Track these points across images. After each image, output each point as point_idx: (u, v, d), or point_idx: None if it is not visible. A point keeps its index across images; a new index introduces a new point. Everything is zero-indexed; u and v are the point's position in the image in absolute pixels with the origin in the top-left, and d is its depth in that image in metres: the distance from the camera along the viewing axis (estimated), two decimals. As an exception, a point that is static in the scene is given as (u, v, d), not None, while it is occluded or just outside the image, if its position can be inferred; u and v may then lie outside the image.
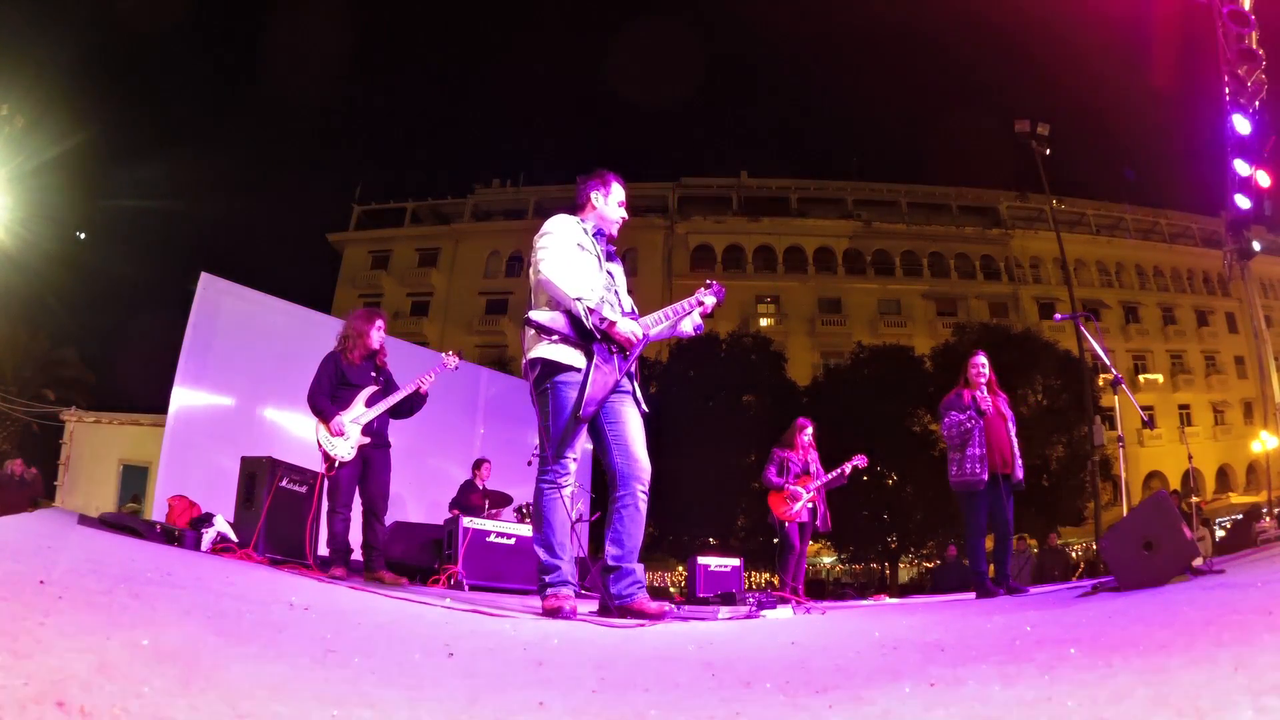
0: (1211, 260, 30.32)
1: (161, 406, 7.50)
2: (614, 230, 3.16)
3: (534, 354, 2.88)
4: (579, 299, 2.82)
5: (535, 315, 2.88)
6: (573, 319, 2.84)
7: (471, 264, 33.34)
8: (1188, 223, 34.74)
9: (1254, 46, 9.51)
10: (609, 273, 3.07)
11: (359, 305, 32.39)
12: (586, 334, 2.84)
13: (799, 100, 69.38)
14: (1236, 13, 9.50)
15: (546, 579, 2.80)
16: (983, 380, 5.30)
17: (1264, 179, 9.78)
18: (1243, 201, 10.38)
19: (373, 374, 4.91)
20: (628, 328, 2.89)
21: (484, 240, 33.74)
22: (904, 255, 33.82)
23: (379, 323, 4.99)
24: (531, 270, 2.98)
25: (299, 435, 7.69)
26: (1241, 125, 9.86)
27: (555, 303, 2.88)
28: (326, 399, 4.70)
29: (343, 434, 4.64)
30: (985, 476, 5.04)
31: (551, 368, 2.84)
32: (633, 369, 3.00)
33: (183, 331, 7.11)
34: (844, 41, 68.52)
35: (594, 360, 2.81)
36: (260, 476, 5.07)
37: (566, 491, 2.85)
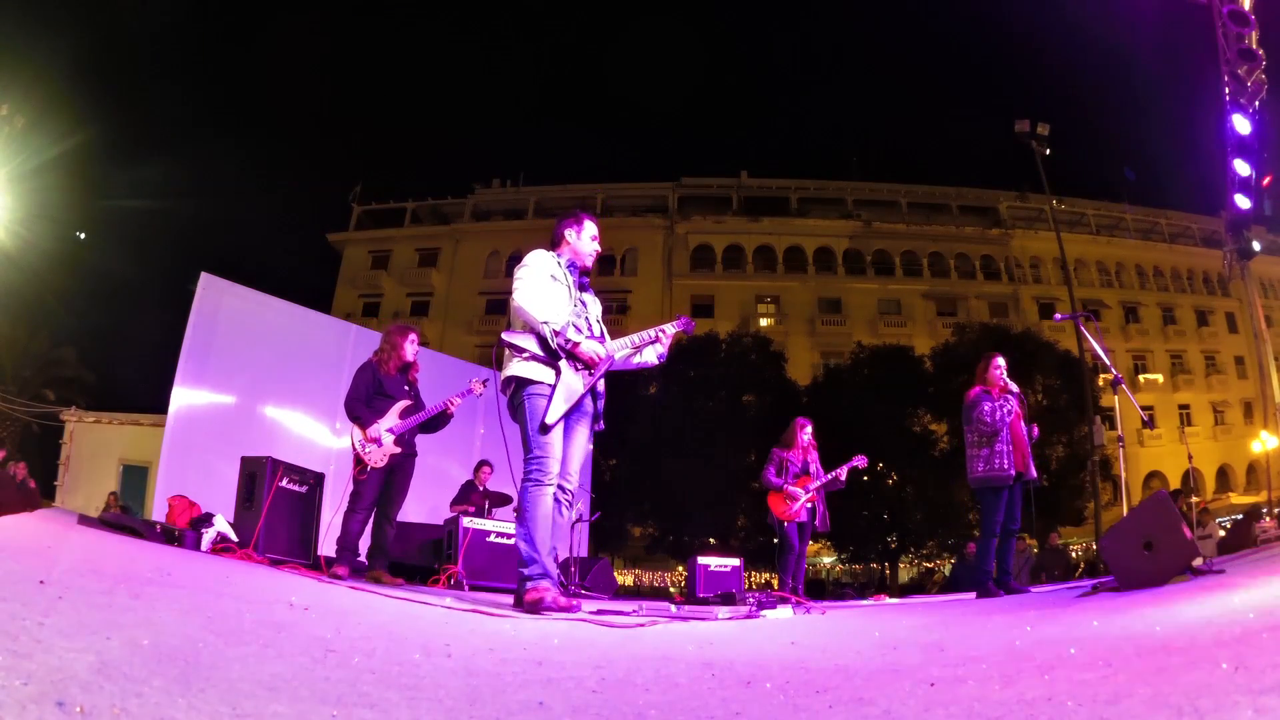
0: (1211, 260, 30.26)
1: (161, 406, 7.49)
2: (587, 263, 3.54)
3: (508, 372, 3.26)
4: (545, 322, 3.18)
5: (507, 336, 3.26)
6: (541, 340, 3.20)
7: (471, 264, 33.31)
8: (1188, 223, 34.72)
9: (1254, 46, 9.52)
10: (581, 301, 3.43)
11: (359, 305, 32.51)
12: (553, 353, 3.20)
13: (799, 100, 69.37)
14: (1236, 13, 9.51)
15: (525, 571, 3.01)
16: (1003, 379, 5.35)
17: (1264, 179, 9.79)
18: (1243, 201, 10.39)
19: (405, 388, 5.12)
20: (590, 347, 3.24)
21: (484, 240, 33.71)
22: (904, 255, 33.79)
23: (412, 336, 5.25)
24: (511, 297, 3.35)
25: (299, 435, 7.71)
26: (1241, 125, 9.86)
27: (527, 326, 3.24)
28: (364, 406, 4.91)
29: (378, 441, 4.81)
30: (1012, 471, 5.14)
31: (524, 384, 3.21)
32: (599, 388, 3.37)
33: (183, 331, 7.10)
34: (844, 41, 68.55)
35: (560, 376, 3.17)
36: (260, 476, 5.09)
37: (549, 488, 3.11)
